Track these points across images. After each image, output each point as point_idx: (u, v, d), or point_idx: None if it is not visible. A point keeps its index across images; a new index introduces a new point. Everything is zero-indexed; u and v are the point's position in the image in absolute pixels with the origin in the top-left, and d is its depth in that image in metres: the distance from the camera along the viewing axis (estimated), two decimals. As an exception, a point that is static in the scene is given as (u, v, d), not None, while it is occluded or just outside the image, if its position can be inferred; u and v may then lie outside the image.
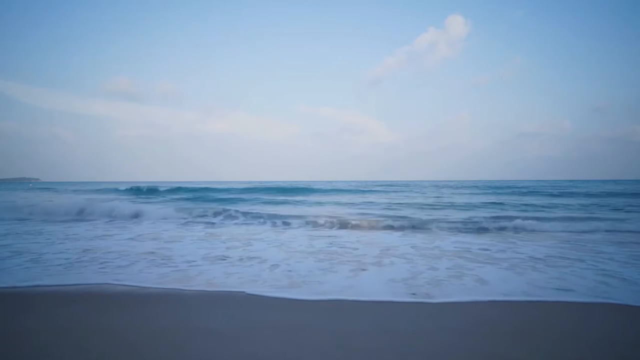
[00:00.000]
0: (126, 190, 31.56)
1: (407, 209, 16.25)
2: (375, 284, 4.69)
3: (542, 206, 17.44)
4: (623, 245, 7.71)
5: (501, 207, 17.12)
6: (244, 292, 4.38)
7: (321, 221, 11.33)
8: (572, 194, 26.12)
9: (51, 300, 4.09)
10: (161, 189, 31.01)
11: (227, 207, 14.50)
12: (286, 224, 11.27)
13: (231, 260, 6.18)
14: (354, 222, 11.22)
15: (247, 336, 3.03)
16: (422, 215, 13.39)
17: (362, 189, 36.48)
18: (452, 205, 17.94)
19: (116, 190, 31.79)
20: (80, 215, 13.02)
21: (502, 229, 10.34)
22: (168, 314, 3.63)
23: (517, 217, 11.56)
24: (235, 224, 11.66)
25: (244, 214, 13.11)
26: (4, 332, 3.08)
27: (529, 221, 10.81)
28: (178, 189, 30.18)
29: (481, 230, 10.23)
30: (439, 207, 17.49)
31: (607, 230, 9.94)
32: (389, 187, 42.16)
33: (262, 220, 12.06)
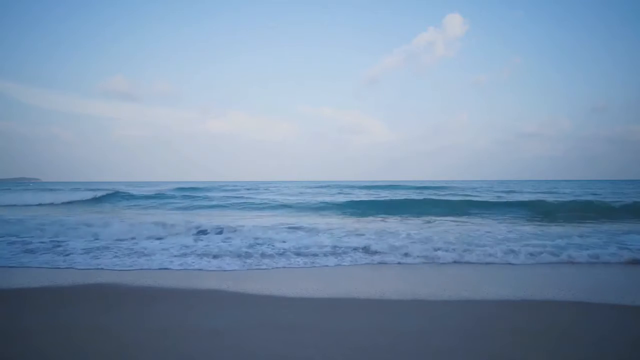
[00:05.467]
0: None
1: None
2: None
3: None
4: None
5: None
6: (244, 291, 4.39)
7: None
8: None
9: (51, 300, 4.09)
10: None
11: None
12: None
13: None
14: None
15: (247, 336, 3.03)
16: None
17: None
18: None
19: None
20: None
21: None
22: (168, 313, 3.62)
23: None
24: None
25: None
26: (4, 332, 3.07)
27: None
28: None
29: None
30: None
31: None
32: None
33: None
